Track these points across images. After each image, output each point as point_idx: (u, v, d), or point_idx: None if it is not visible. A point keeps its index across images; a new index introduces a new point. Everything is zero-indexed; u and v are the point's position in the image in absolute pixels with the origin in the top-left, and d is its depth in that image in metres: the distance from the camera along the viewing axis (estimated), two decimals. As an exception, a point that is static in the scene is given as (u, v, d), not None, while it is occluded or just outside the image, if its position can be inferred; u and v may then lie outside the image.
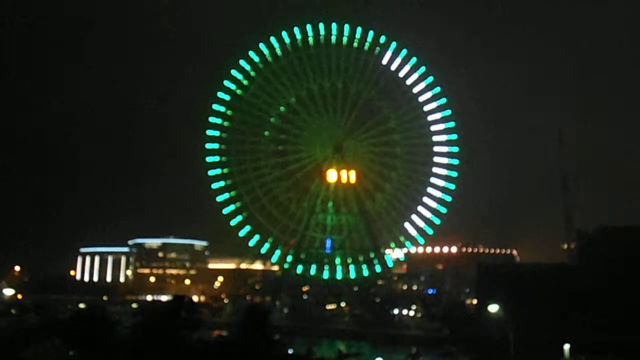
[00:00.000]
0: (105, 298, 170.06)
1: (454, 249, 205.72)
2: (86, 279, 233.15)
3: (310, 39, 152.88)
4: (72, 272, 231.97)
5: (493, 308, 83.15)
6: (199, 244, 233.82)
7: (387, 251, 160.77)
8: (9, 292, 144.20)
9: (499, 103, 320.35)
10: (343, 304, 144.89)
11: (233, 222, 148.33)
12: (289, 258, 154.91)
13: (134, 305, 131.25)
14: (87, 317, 52.31)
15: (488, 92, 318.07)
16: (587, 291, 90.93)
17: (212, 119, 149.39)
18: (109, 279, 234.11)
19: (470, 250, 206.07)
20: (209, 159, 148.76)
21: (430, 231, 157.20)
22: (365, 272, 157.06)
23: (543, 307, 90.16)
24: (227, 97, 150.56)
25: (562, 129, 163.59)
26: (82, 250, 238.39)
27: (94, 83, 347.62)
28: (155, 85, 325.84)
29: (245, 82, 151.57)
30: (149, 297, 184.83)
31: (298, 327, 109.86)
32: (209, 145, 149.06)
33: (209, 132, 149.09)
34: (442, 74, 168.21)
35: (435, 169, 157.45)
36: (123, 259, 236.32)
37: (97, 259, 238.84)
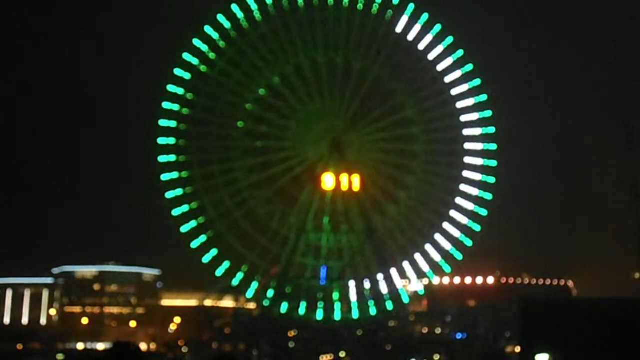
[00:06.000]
0: (19, 347, 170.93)
1: (490, 280, 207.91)
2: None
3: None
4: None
5: (542, 358, 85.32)
6: (149, 272, 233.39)
7: (402, 282, 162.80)
8: None
9: (551, 88, 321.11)
10: (343, 354, 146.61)
11: (194, 245, 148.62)
12: (270, 293, 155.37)
13: (60, 357, 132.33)
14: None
15: (538, 73, 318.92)
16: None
17: (166, 105, 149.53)
18: (25, 320, 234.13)
19: (511, 281, 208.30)
20: (162, 159, 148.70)
21: (459, 256, 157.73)
22: (373, 311, 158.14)
23: (608, 356, 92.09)
24: (187, 76, 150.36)
25: (629, 120, 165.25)
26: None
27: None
28: (93, 62, 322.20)
29: (211, 56, 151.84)
30: (80, 346, 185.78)
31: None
32: (162, 141, 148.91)
33: (163, 123, 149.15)
34: (476, 46, 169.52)
35: (466, 173, 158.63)
36: (45, 293, 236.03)
37: (8, 293, 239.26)
